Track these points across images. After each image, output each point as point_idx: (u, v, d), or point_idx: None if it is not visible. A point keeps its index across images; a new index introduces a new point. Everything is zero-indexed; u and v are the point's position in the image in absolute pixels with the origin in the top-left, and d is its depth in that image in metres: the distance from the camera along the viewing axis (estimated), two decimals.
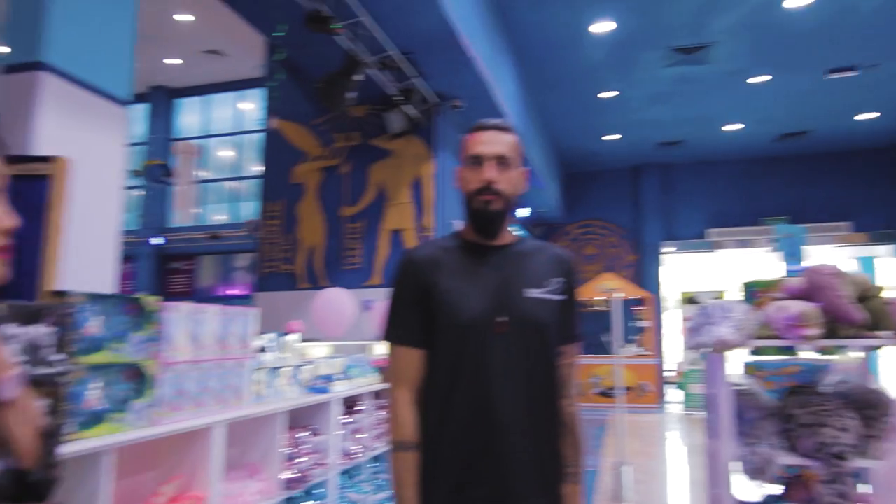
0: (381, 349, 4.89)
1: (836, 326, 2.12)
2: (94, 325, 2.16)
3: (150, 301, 2.39)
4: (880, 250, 11.39)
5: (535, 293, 1.46)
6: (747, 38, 7.38)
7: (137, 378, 2.25)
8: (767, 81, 8.61)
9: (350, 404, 4.29)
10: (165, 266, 12.88)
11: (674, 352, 12.16)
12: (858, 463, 2.10)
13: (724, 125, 10.54)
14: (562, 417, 1.49)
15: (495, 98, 6.50)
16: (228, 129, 13.35)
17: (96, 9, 3.24)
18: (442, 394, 1.42)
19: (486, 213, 1.48)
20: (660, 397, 11.11)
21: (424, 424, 1.44)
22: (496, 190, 1.47)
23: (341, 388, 3.85)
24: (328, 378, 3.84)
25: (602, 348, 10.54)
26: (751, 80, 8.60)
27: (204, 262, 12.96)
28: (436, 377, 1.44)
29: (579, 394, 1.56)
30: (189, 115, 13.49)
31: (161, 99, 12.90)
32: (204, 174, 13.19)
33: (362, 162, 6.67)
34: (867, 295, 2.22)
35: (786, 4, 6.64)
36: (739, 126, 10.57)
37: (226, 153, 13.55)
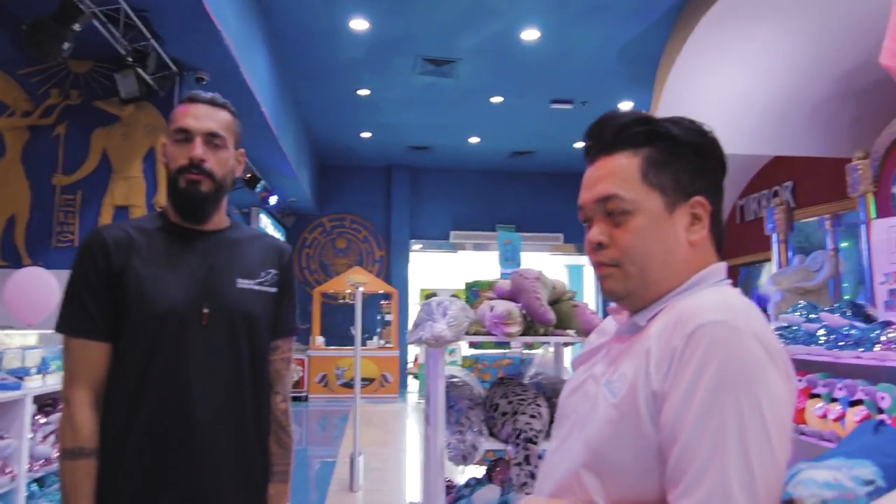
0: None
1: (534, 325, 2.42)
2: None
3: None
4: (585, 259, 13.51)
5: (246, 283, 1.39)
6: (487, 60, 8.10)
7: None
8: (502, 102, 9.57)
9: (47, 402, 3.72)
10: None
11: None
12: (545, 445, 2.42)
13: (467, 137, 11.45)
14: (272, 414, 1.45)
15: (246, 78, 6.18)
16: None
17: None
18: (130, 392, 1.28)
19: (191, 195, 1.37)
20: (401, 388, 11.67)
21: (107, 428, 1.29)
22: (205, 169, 1.37)
23: (36, 385, 3.33)
24: (19, 372, 3.29)
25: (350, 340, 10.70)
26: (491, 100, 9.47)
27: None
28: (123, 374, 1.30)
29: (289, 395, 1.52)
30: None
31: None
32: None
33: (83, 125, 5.82)
34: (560, 298, 2.58)
35: (522, 35, 7.43)
36: (479, 139, 11.58)
37: None
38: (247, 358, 1.37)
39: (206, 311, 1.32)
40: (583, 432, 0.91)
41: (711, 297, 0.85)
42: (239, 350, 1.35)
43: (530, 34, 7.38)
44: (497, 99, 9.48)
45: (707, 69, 6.46)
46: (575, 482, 0.90)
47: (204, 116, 1.39)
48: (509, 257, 3.55)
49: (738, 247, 8.78)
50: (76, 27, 4.10)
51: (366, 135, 11.37)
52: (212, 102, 1.42)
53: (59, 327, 1.32)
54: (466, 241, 13.81)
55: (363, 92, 9.24)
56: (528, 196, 13.66)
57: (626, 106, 9.64)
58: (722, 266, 0.94)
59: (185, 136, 1.36)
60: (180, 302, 1.30)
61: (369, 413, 9.19)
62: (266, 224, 11.38)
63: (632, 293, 0.94)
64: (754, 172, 8.52)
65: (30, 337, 3.91)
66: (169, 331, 1.29)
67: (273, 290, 1.44)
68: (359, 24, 7.21)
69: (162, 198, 5.77)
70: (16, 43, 5.70)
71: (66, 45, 4.13)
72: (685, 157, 0.92)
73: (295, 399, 10.66)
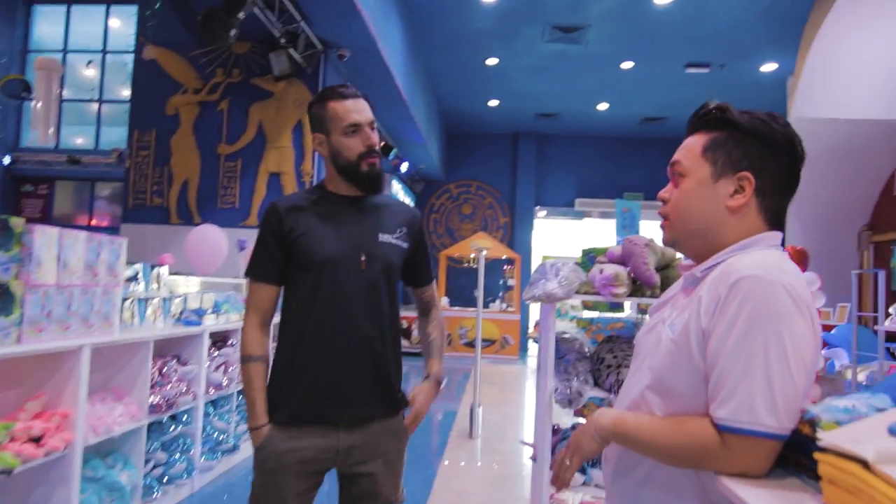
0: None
1: (641, 287, 2.59)
2: None
3: (17, 222, 2.40)
4: None
5: (385, 238, 1.74)
6: (618, 25, 7.97)
7: (4, 297, 2.29)
8: (633, 67, 9.36)
9: (220, 339, 4.41)
10: (17, 188, 11.81)
11: (536, 309, 13.11)
12: None
13: (596, 103, 11.31)
14: (437, 321, 1.92)
15: (382, 52, 6.61)
16: (94, 46, 12.25)
17: None
18: (299, 319, 1.67)
19: (373, 174, 1.73)
20: (521, 351, 12.01)
21: (283, 344, 1.69)
22: (377, 151, 1.74)
23: (211, 323, 3.97)
24: (199, 312, 3.93)
25: (473, 302, 11.16)
26: (622, 65, 9.30)
27: (61, 188, 12.02)
28: (295, 306, 1.69)
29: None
30: (48, 26, 12.22)
31: (13, 3, 11.58)
32: (64, 93, 12.09)
33: (242, 100, 6.55)
34: (669, 264, 2.72)
35: (656, 0, 7.25)
36: (607, 106, 11.40)
37: (89, 72, 12.47)
38: (386, 295, 1.73)
39: (363, 258, 1.69)
40: (648, 362, 1.15)
41: (754, 257, 1.04)
42: (380, 289, 1.71)
43: None
44: (627, 64, 9.29)
45: (859, 30, 6.00)
46: (642, 401, 1.14)
47: (362, 109, 1.72)
48: (627, 225, 3.69)
49: (892, 220, 8.10)
50: (241, 15, 4.68)
51: (493, 103, 11.58)
52: (358, 95, 1.75)
53: (245, 273, 1.77)
54: (592, 209, 13.69)
55: (492, 61, 9.43)
56: (658, 163, 13.10)
57: (769, 68, 9.08)
58: (773, 235, 1.12)
59: (356, 128, 1.70)
60: (340, 251, 1.67)
61: (490, 373, 9.60)
62: (397, 190, 12.00)
63: (677, 241, 1.18)
64: None
65: (193, 283, 4.50)
66: (327, 273, 1.66)
67: (405, 244, 1.79)
68: None
69: (308, 165, 6.41)
70: (188, 28, 6.51)
71: (233, 32, 4.74)
72: (744, 141, 1.12)
73: (420, 355, 11.32)
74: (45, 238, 2.49)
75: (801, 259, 5.05)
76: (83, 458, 2.71)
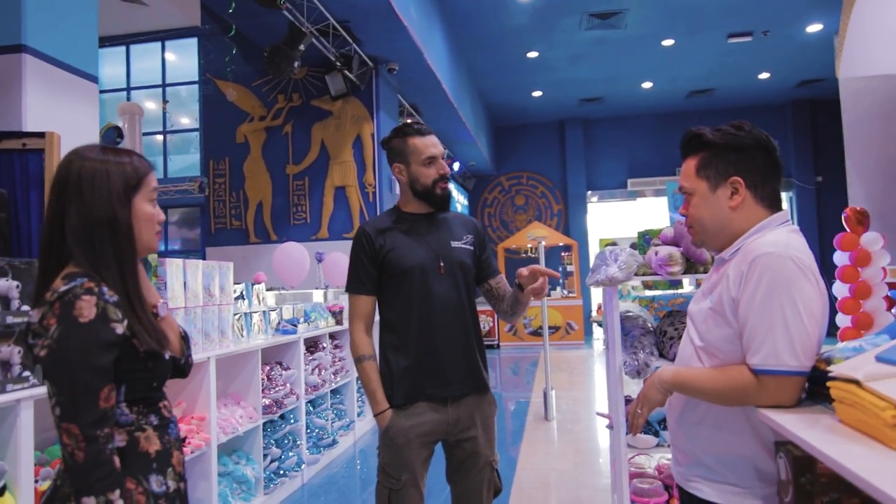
0: (331, 296, 5.45)
1: (694, 265, 2.84)
2: None
3: (153, 257, 2.85)
4: None
5: (457, 244, 2.11)
6: (656, 5, 8.07)
7: None
8: (673, 44, 9.40)
9: (311, 344, 4.85)
10: None
11: (597, 293, 13.23)
12: None
13: (640, 83, 11.35)
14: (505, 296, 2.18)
15: (428, 60, 6.95)
16: (154, 82, 13.09)
17: None
18: (399, 319, 2.04)
19: (445, 196, 2.11)
20: (586, 335, 12.18)
21: (390, 340, 2.05)
22: (448, 178, 2.12)
23: (304, 330, 4.40)
24: (293, 321, 4.37)
25: None
26: (662, 43, 9.35)
27: None
28: (395, 308, 2.05)
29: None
30: (111, 67, 13.14)
31: None
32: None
33: (304, 122, 7.03)
34: None
35: None
36: (651, 84, 11.42)
37: (153, 106, 13.31)
38: (465, 291, 2.09)
39: (442, 264, 2.05)
40: (696, 326, 1.45)
41: (768, 237, 1.34)
42: (459, 286, 2.08)
43: None
44: (668, 42, 9.34)
45: None
46: (694, 357, 1.44)
47: (437, 143, 2.12)
48: (679, 205, 3.91)
49: None
50: (301, 48, 5.11)
51: (537, 94, 11.77)
52: (432, 132, 2.14)
53: (347, 289, 2.14)
54: (646, 188, 13.69)
55: (532, 54, 9.65)
56: None
57: (814, 29, 8.96)
58: (778, 215, 1.40)
59: (433, 160, 2.08)
60: (423, 259, 2.04)
61: (557, 359, 9.84)
62: (450, 188, 12.33)
63: (704, 242, 1.51)
64: None
65: (283, 296, 4.99)
66: (416, 279, 2.02)
67: (471, 247, 2.16)
68: None
69: (370, 177, 6.82)
70: (248, 61, 7.02)
71: (296, 64, 5.17)
72: (724, 153, 1.42)
73: (487, 347, 11.64)
74: (173, 268, 2.94)
75: (861, 220, 5.08)
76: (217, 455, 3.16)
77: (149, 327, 1.30)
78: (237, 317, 3.66)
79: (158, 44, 12.81)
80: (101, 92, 12.71)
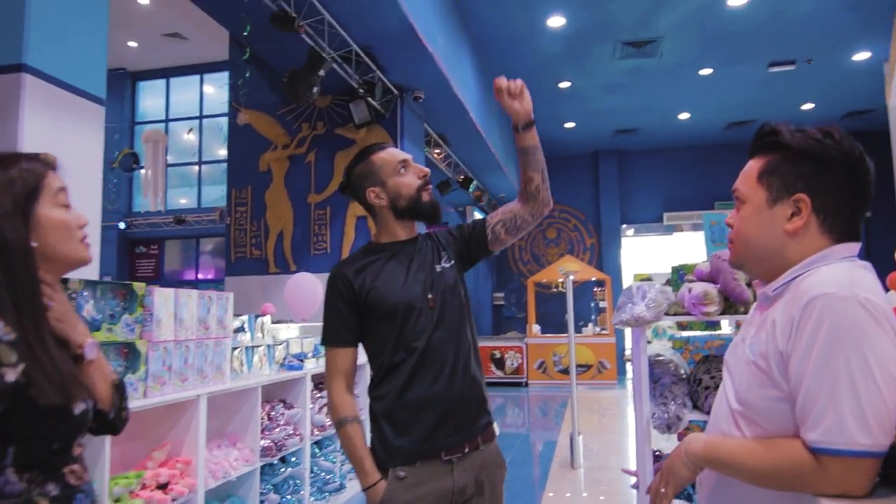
0: None
1: (734, 304, 2.51)
2: (90, 308, 2.43)
3: (139, 286, 2.66)
4: None
5: (439, 268, 1.82)
6: (691, 33, 7.81)
7: (130, 355, 2.53)
8: (712, 73, 9.09)
9: (321, 381, 4.60)
10: (131, 250, 12.92)
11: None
12: None
13: (677, 114, 11.04)
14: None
15: (455, 89, 6.79)
16: (191, 113, 13.32)
17: (72, 9, 3.42)
18: (394, 367, 1.74)
19: (434, 202, 1.83)
20: (619, 374, 11.66)
21: (382, 394, 1.75)
22: (430, 179, 1.84)
23: (312, 366, 4.16)
24: (300, 356, 4.14)
25: (564, 328, 11.00)
26: (700, 72, 9.06)
27: (169, 247, 13.03)
28: (382, 355, 1.76)
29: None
30: (151, 99, 13.44)
31: (122, 82, 12.82)
32: (168, 158, 13.19)
33: (327, 150, 6.91)
34: None
35: (728, 2, 7.06)
36: (689, 115, 11.09)
37: (189, 137, 13.54)
38: (458, 315, 1.79)
39: (429, 296, 1.75)
40: (733, 382, 1.15)
41: (824, 275, 1.03)
42: (454, 314, 1.78)
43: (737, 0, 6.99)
44: (706, 71, 9.04)
45: None
46: (731, 422, 1.13)
47: (401, 150, 1.87)
48: (717, 239, 3.58)
49: None
50: (321, 73, 4.98)
51: (569, 125, 11.54)
52: (393, 145, 1.95)
53: (322, 342, 1.84)
54: (683, 222, 13.24)
55: (564, 84, 9.45)
56: None
57: (861, 57, 8.56)
58: (842, 247, 1.09)
59: (406, 163, 1.81)
60: (410, 295, 1.74)
61: (588, 399, 9.39)
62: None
63: (743, 264, 1.21)
64: None
65: (293, 329, 4.74)
66: (405, 319, 1.72)
67: (452, 261, 1.85)
68: (556, 22, 7.46)
69: None
70: (273, 89, 6.97)
71: (315, 90, 5.05)
72: (798, 162, 1.11)
73: (514, 384, 11.24)
74: (162, 298, 2.74)
75: None
76: (204, 502, 2.91)
77: (52, 374, 1.06)
78: (237, 351, 3.44)
79: (198, 77, 13.14)
80: (140, 123, 13.06)
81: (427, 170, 1.84)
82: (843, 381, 0.94)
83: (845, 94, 9.84)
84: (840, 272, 1.02)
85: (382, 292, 1.74)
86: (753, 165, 1.19)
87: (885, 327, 0.96)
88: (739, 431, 1.11)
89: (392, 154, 1.81)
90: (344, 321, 1.77)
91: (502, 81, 1.74)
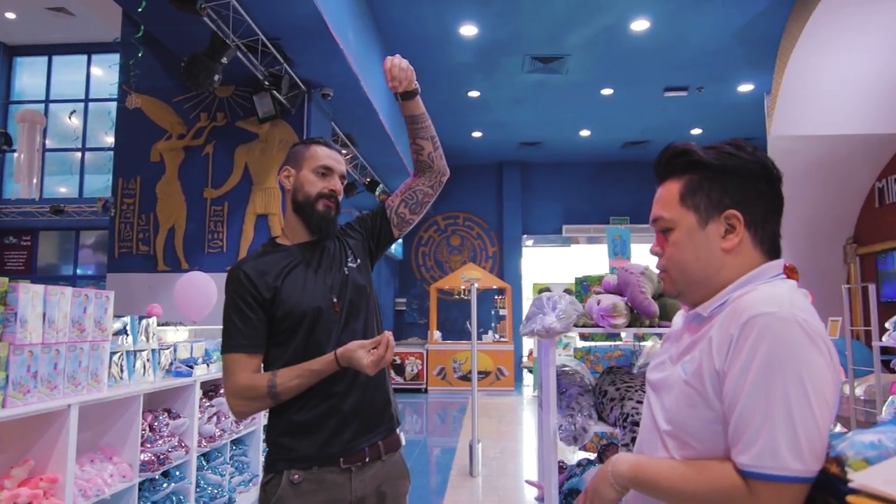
0: None
1: (639, 317, 2.56)
2: None
3: (0, 281, 2.34)
4: None
5: (345, 269, 1.74)
6: (596, 53, 8.10)
7: None
8: (612, 94, 9.50)
9: (211, 388, 4.31)
10: (0, 241, 11.70)
11: (529, 339, 13.03)
12: None
13: (578, 130, 11.44)
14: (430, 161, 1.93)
15: (365, 89, 6.65)
16: (76, 95, 12.28)
17: None
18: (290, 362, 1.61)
19: (327, 217, 1.72)
20: (516, 381, 11.87)
21: (283, 404, 1.62)
22: (338, 200, 1.75)
23: (202, 373, 3.87)
24: (189, 362, 3.85)
25: (466, 335, 11.06)
26: (602, 92, 9.43)
27: (44, 239, 11.92)
28: (286, 357, 1.63)
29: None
30: (29, 77, 12.27)
31: None
32: (48, 143, 12.07)
33: (227, 144, 6.54)
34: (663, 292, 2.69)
35: (632, 27, 7.38)
36: (589, 132, 11.53)
37: (72, 121, 12.47)
38: (363, 319, 1.71)
39: (335, 300, 1.66)
40: (662, 402, 1.12)
41: (763, 292, 1.01)
42: (359, 317, 1.70)
43: (640, 24, 7.32)
44: (607, 91, 9.43)
45: (833, 47, 6.12)
46: (659, 444, 1.10)
47: (339, 161, 1.77)
48: (619, 252, 3.67)
49: (876, 232, 8.17)
50: (224, 60, 4.69)
51: (477, 134, 11.67)
52: (340, 151, 1.81)
53: (224, 348, 1.64)
54: (579, 235, 13.76)
55: (473, 94, 9.53)
56: (643, 187, 13.35)
57: (745, 88, 9.24)
58: (774, 264, 1.09)
59: (327, 171, 1.73)
60: (314, 300, 1.64)
61: (486, 405, 9.48)
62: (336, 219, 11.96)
63: (681, 292, 1.15)
64: (895, 152, 7.89)
65: (182, 332, 4.41)
66: (308, 325, 1.62)
67: (359, 259, 1.78)
68: (468, 30, 7.50)
69: None
70: (170, 74, 6.52)
71: (216, 77, 4.74)
72: (718, 178, 1.10)
73: (414, 391, 11.18)
74: (29, 296, 2.42)
75: (790, 275, 5.04)
76: None
77: None
78: (117, 356, 3.12)
79: (84, 56, 12.12)
80: (15, 102, 11.88)
81: (339, 188, 1.75)
82: (778, 403, 0.92)
83: (730, 122, 10.59)
84: (780, 291, 1.01)
85: (290, 296, 1.63)
86: (671, 189, 1.15)
87: (822, 348, 0.95)
88: (667, 453, 1.08)
89: (326, 155, 1.75)
90: (249, 323, 1.61)
91: (391, 59, 1.72)
